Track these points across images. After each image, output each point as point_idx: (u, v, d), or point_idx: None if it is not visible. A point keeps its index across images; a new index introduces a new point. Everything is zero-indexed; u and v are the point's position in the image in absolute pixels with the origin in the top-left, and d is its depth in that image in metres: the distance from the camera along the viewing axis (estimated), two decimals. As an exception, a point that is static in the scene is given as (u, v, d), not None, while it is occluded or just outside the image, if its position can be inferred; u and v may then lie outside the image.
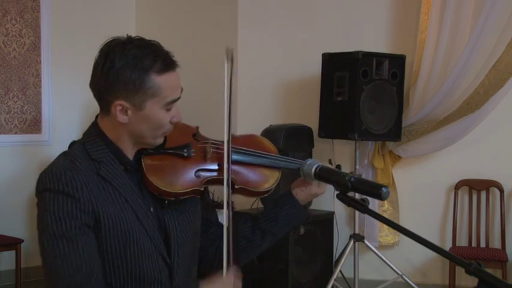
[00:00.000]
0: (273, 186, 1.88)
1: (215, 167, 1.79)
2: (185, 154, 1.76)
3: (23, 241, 4.87)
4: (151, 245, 1.68)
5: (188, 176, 1.75)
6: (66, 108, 5.57)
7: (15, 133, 5.36)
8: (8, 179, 5.33)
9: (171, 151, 1.76)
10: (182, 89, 1.73)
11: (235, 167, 1.79)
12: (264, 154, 1.89)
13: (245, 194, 1.85)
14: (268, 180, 1.87)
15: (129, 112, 1.66)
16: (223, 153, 1.74)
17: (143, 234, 1.67)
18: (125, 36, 1.71)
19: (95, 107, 1.77)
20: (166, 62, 1.67)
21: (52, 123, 5.52)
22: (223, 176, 1.73)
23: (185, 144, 1.78)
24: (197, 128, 1.87)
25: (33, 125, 5.45)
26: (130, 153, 1.73)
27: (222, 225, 1.93)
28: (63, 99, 5.54)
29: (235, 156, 1.79)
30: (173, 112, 1.71)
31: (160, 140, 1.74)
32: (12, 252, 4.85)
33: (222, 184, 1.72)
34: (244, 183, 1.82)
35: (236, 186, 1.80)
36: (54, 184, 1.60)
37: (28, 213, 5.43)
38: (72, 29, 5.63)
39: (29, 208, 5.44)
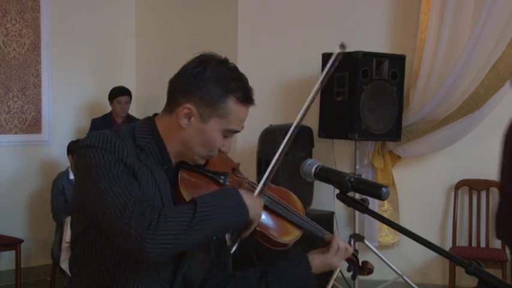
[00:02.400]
0: (292, 242, 1.90)
1: None
2: (221, 181, 1.79)
3: (23, 241, 4.88)
4: None
5: None
6: (66, 108, 5.57)
7: (15, 133, 5.36)
8: (8, 179, 5.33)
9: (209, 173, 1.79)
10: (243, 127, 1.79)
11: (263, 212, 1.80)
12: (293, 210, 1.91)
13: (263, 240, 1.85)
14: (289, 235, 1.89)
15: (193, 119, 1.70)
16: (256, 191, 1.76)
17: None
18: (223, 56, 1.78)
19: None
20: (247, 96, 1.75)
21: (52, 123, 5.52)
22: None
23: (224, 172, 1.81)
24: (238, 164, 1.91)
25: (33, 125, 5.45)
26: (173, 157, 1.76)
27: (227, 270, 1.96)
28: (63, 99, 5.55)
29: (265, 202, 1.82)
30: (227, 141, 1.76)
31: (202, 161, 1.78)
32: (12, 252, 4.85)
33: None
34: (266, 228, 1.83)
35: (257, 229, 1.80)
36: (104, 144, 1.62)
37: (28, 213, 5.44)
38: (72, 29, 5.63)
39: (29, 208, 5.44)
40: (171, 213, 1.57)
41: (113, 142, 1.62)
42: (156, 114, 1.79)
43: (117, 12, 5.91)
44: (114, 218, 1.55)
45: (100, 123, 5.15)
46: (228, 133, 1.74)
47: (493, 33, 4.56)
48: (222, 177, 1.80)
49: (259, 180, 1.80)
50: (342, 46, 1.76)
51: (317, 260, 1.95)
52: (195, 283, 1.84)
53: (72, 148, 4.78)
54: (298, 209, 1.95)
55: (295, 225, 1.91)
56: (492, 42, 4.58)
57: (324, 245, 1.96)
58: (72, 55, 5.62)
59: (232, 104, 1.71)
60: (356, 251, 2.08)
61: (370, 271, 2.07)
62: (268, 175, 1.78)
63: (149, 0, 5.99)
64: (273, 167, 1.79)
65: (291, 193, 2.01)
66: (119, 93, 5.28)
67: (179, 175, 1.74)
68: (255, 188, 1.80)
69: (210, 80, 1.69)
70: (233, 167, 1.88)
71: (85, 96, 5.53)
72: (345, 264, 1.87)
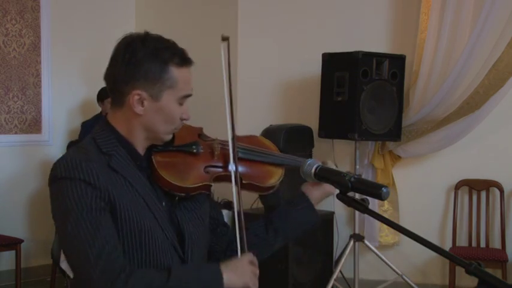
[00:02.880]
0: (278, 182, 1.94)
1: (222, 163, 1.85)
2: (194, 151, 1.81)
3: (23, 241, 4.87)
4: (164, 236, 1.70)
5: (198, 172, 1.80)
6: (66, 108, 5.57)
7: (15, 133, 5.36)
8: (8, 179, 5.33)
9: (180, 148, 1.81)
10: (192, 89, 1.78)
11: (241, 164, 1.86)
12: (268, 152, 1.96)
13: (252, 190, 1.91)
14: (273, 176, 1.94)
15: (146, 103, 1.70)
16: (229, 151, 1.81)
17: (155, 225, 1.69)
18: (142, 32, 1.76)
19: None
20: (184, 57, 1.74)
21: (52, 123, 5.52)
22: (229, 172, 1.80)
23: (193, 141, 1.84)
24: (201, 128, 1.93)
25: (33, 125, 5.45)
26: (141, 149, 1.76)
27: (228, 225, 1.99)
28: (63, 99, 5.55)
29: (241, 154, 1.87)
30: (184, 108, 1.75)
31: (169, 137, 1.79)
32: (12, 252, 4.85)
33: (230, 180, 1.79)
34: (251, 178, 1.88)
35: (244, 182, 1.85)
36: (71, 172, 1.62)
37: (28, 213, 5.43)
38: (72, 29, 5.63)
39: (29, 208, 5.44)
40: (141, 275, 1.59)
41: (79, 165, 1.62)
42: (106, 115, 1.78)
43: (117, 12, 5.91)
44: (77, 265, 1.59)
45: (91, 125, 5.12)
46: (183, 100, 1.74)
47: (493, 33, 4.56)
48: (194, 146, 1.82)
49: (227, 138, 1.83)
50: (224, 38, 1.81)
51: (316, 192, 1.96)
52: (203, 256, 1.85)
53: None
54: (271, 148, 2.00)
55: (276, 165, 1.96)
56: (492, 42, 4.58)
57: None
58: (72, 55, 5.61)
59: (174, 71, 1.70)
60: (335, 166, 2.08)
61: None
62: (232, 132, 1.81)
63: (149, 0, 5.99)
64: (232, 123, 1.81)
65: (258, 136, 2.07)
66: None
67: (153, 160, 1.76)
68: (226, 146, 1.83)
69: (145, 59, 1.68)
70: (198, 133, 1.91)
71: (85, 96, 5.53)
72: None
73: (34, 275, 5.31)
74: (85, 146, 1.71)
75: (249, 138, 2.01)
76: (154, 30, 1.78)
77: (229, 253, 1.86)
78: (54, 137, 5.53)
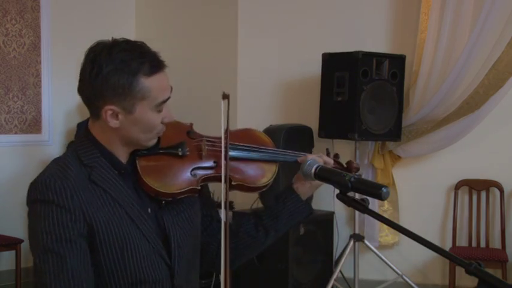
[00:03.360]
0: (271, 181, 1.87)
1: (211, 164, 1.78)
2: (180, 153, 1.74)
3: (23, 241, 4.87)
4: (149, 247, 1.68)
5: (184, 176, 1.74)
6: (66, 108, 5.57)
7: (15, 133, 5.36)
8: (8, 179, 5.32)
9: (165, 151, 1.74)
10: (172, 88, 1.72)
11: (231, 163, 1.77)
12: (260, 148, 1.88)
13: (243, 190, 1.84)
14: (266, 174, 1.86)
15: (120, 116, 1.65)
16: (219, 150, 1.73)
17: (139, 237, 1.66)
18: (110, 39, 1.70)
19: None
20: (153, 64, 1.66)
21: (52, 123, 5.52)
22: (219, 173, 1.69)
23: (179, 143, 1.76)
24: (191, 125, 1.85)
25: (33, 125, 5.45)
26: (123, 156, 1.72)
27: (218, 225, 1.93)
28: (63, 99, 5.54)
29: (231, 152, 1.78)
30: (164, 113, 1.69)
31: (153, 141, 1.73)
32: (12, 252, 4.85)
33: (219, 181, 1.68)
34: (241, 179, 1.81)
35: (233, 183, 1.79)
36: (43, 194, 1.59)
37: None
38: (72, 29, 5.63)
39: (29, 208, 5.44)
40: None
41: (53, 186, 1.59)
42: (87, 121, 1.75)
43: (117, 12, 5.91)
44: None
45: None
46: (160, 106, 1.67)
47: (493, 33, 4.56)
48: (180, 148, 1.74)
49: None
50: (224, 95, 1.67)
51: (303, 188, 1.90)
52: (195, 265, 1.83)
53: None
54: (265, 142, 1.92)
55: (269, 162, 1.87)
56: (492, 42, 4.58)
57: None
58: (72, 55, 5.56)
59: (145, 81, 1.63)
60: (336, 155, 2.02)
61: (356, 169, 2.01)
62: (226, 131, 1.68)
63: (149, 0, 5.99)
64: (227, 122, 1.70)
65: (252, 129, 1.96)
66: None
67: (137, 166, 1.70)
68: (215, 144, 1.77)
69: (112, 74, 1.61)
70: (187, 131, 1.82)
71: (85, 96, 5.52)
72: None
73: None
74: (66, 159, 1.68)
75: (242, 132, 1.91)
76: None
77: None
78: (54, 137, 5.53)
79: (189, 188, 1.73)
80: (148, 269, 1.67)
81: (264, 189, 1.88)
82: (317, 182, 1.87)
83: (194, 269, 1.85)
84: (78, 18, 5.66)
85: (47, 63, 5.47)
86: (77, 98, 1.73)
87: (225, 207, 1.66)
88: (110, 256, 1.62)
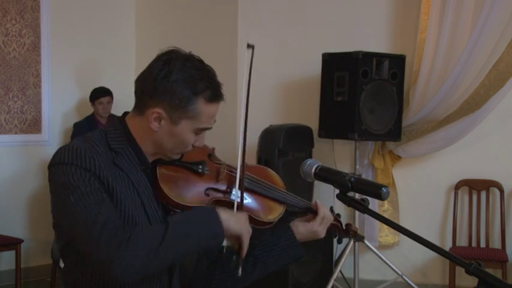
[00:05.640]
0: (276, 219, 1.90)
1: (225, 188, 1.83)
2: (199, 170, 1.79)
3: (23, 241, 4.87)
4: None
5: (198, 192, 1.78)
6: (66, 108, 5.57)
7: (15, 133, 5.36)
8: (8, 179, 5.33)
9: (186, 165, 1.79)
10: (215, 121, 1.76)
11: (244, 194, 1.81)
12: (274, 187, 1.93)
13: (249, 222, 1.85)
14: (273, 212, 1.91)
15: (163, 122, 1.69)
16: (235, 177, 1.78)
17: (146, 224, 1.68)
18: (187, 51, 1.74)
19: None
20: (216, 93, 1.72)
21: (52, 123, 5.52)
22: (231, 199, 1.78)
23: (201, 161, 1.81)
24: (213, 149, 1.91)
25: (33, 125, 5.45)
26: (149, 156, 1.75)
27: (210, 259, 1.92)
28: (63, 99, 5.55)
29: (246, 184, 1.82)
30: (199, 137, 1.75)
31: (177, 156, 1.78)
32: (12, 252, 4.85)
33: (228, 207, 1.74)
34: (249, 210, 1.84)
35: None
36: (73, 159, 1.61)
37: (28, 213, 5.43)
38: (72, 29, 5.63)
39: (29, 208, 5.44)
40: (142, 233, 1.56)
41: (83, 155, 1.61)
42: (126, 113, 1.78)
43: (117, 12, 5.91)
44: (84, 239, 1.56)
45: (84, 126, 5.12)
46: (200, 131, 1.73)
47: (493, 33, 4.55)
48: (200, 166, 1.80)
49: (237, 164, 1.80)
50: (249, 46, 1.75)
51: (302, 228, 1.93)
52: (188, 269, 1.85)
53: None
54: (278, 184, 1.97)
55: (278, 202, 1.93)
56: (492, 42, 4.58)
57: (306, 214, 1.98)
58: (72, 55, 5.61)
59: (201, 105, 1.68)
60: (338, 214, 2.09)
61: (355, 233, 2.11)
62: (242, 159, 1.77)
63: (149, 0, 5.99)
64: (243, 148, 1.78)
65: (268, 169, 2.03)
66: (100, 94, 5.24)
67: (157, 171, 1.74)
68: (234, 171, 1.81)
69: (177, 83, 1.66)
70: (209, 153, 1.88)
71: (85, 96, 5.52)
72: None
73: (34, 275, 5.31)
74: (93, 138, 1.70)
75: (258, 169, 1.98)
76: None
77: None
78: (54, 137, 5.53)
79: (200, 204, 1.76)
80: None
81: (267, 226, 1.91)
82: (316, 227, 1.91)
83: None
84: (78, 18, 5.67)
85: (47, 63, 5.47)
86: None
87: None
88: None
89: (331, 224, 2.02)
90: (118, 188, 1.63)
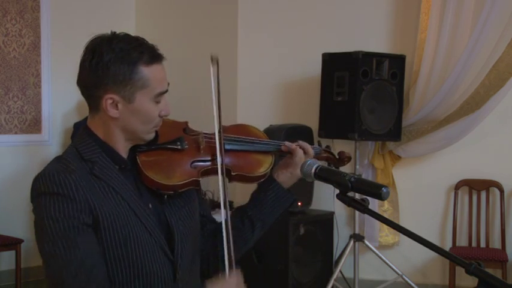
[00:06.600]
0: (268, 170, 1.93)
1: (209, 157, 1.83)
2: (179, 147, 1.79)
3: (23, 241, 4.87)
4: (151, 240, 1.69)
5: (185, 168, 1.78)
6: (66, 108, 5.57)
7: (15, 133, 5.36)
8: (8, 179, 5.33)
9: (164, 145, 1.79)
10: (169, 84, 1.75)
11: (229, 155, 1.84)
12: (255, 140, 1.95)
13: (242, 181, 1.89)
14: (263, 164, 1.93)
15: (120, 106, 1.68)
16: (215, 144, 1.79)
17: (142, 230, 1.67)
18: (109, 33, 1.73)
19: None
20: (153, 54, 1.70)
21: (52, 123, 5.52)
22: (218, 165, 1.78)
23: (177, 138, 1.81)
24: (186, 122, 1.91)
25: (33, 125, 5.45)
26: (123, 151, 1.74)
27: (217, 222, 1.97)
28: (63, 99, 5.54)
29: (228, 146, 1.85)
30: (162, 105, 1.73)
31: (151, 135, 1.76)
32: (12, 252, 4.85)
33: (217, 173, 1.77)
34: (240, 169, 1.86)
35: (233, 173, 1.85)
36: (48, 187, 1.61)
37: (28, 213, 5.40)
38: (72, 29, 5.62)
39: (29, 208, 5.40)
40: None
41: (57, 178, 1.61)
42: (86, 120, 1.77)
43: (117, 12, 5.91)
44: (54, 285, 1.59)
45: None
46: (158, 97, 1.71)
47: (494, 33, 4.56)
48: (178, 142, 1.80)
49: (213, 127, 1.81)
50: (212, 59, 1.77)
51: (284, 176, 1.96)
52: (196, 261, 1.85)
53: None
54: (259, 135, 2.00)
55: (264, 153, 1.95)
56: (492, 42, 4.58)
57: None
58: (72, 55, 5.57)
59: (145, 70, 1.67)
60: (328, 146, 2.12)
61: (348, 159, 2.13)
62: (219, 125, 1.79)
63: (149, 0, 5.99)
64: (219, 113, 1.79)
65: (246, 124, 2.05)
66: None
67: (138, 161, 1.74)
68: (212, 138, 1.82)
69: (112, 62, 1.65)
70: (183, 128, 1.89)
71: (85, 96, 5.53)
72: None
73: (34, 275, 5.31)
74: (66, 156, 1.70)
75: (237, 127, 1.99)
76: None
77: (221, 258, 1.82)
78: (54, 137, 5.54)
79: (191, 179, 1.77)
80: (151, 262, 1.68)
81: (262, 179, 1.93)
82: (298, 171, 1.91)
83: (195, 264, 1.86)
84: (78, 18, 5.66)
85: (47, 63, 5.47)
86: (77, 98, 1.76)
87: (225, 200, 1.72)
88: (114, 248, 1.64)
89: (325, 157, 2.06)
90: (101, 205, 1.62)
